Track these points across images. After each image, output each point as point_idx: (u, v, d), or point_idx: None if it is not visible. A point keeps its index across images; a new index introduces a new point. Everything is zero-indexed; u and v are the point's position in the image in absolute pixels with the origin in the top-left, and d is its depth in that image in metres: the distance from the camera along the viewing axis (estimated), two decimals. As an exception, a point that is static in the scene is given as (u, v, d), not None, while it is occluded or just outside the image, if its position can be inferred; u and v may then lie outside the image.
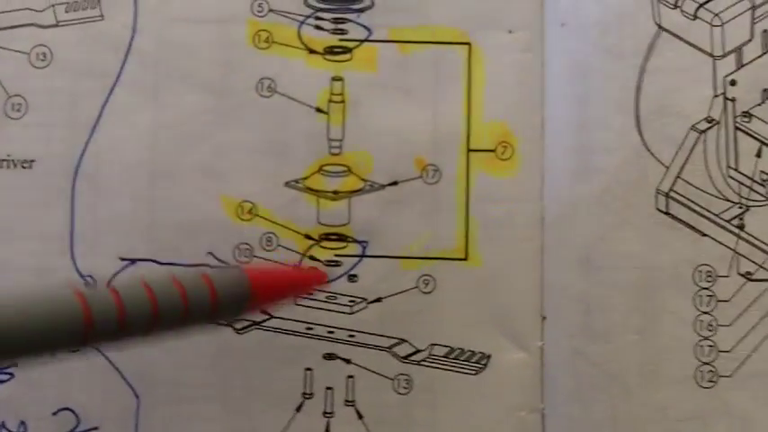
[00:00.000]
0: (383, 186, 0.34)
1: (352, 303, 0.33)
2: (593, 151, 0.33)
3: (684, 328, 0.32)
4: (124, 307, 0.26)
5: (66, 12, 0.34)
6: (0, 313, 0.24)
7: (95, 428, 0.33)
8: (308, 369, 0.33)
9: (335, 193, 0.34)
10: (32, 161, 0.34)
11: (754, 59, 0.33)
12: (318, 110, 0.34)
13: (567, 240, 0.33)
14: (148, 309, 0.26)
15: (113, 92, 0.34)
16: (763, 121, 0.33)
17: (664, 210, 0.33)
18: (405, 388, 0.33)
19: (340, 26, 0.34)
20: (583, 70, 0.33)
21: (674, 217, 0.33)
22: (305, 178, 0.34)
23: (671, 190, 0.33)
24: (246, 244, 0.34)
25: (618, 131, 0.33)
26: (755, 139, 0.33)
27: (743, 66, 0.33)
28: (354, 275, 0.34)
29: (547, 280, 0.33)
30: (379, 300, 0.34)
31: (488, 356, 0.33)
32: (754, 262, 0.33)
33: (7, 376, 0.33)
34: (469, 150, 0.34)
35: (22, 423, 0.33)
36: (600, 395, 0.32)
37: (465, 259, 0.34)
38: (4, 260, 0.34)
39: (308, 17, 0.34)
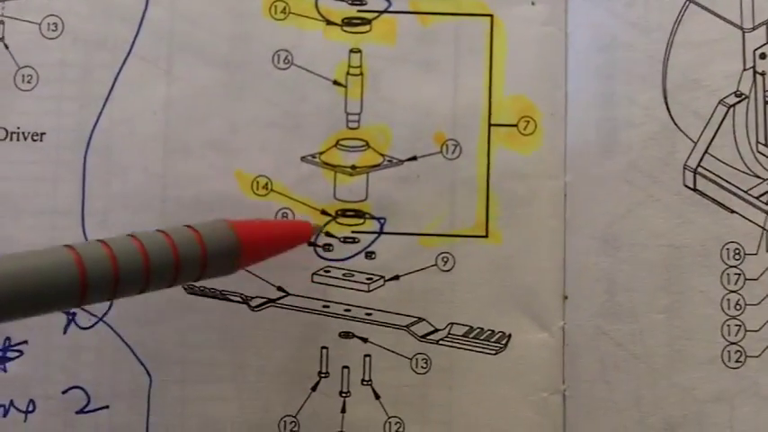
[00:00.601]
0: (402, 162, 0.33)
1: (369, 281, 0.33)
2: (618, 126, 0.32)
3: (712, 308, 0.32)
4: (117, 262, 0.26)
5: (79, -20, 0.34)
6: None
7: (106, 407, 0.33)
8: (324, 348, 0.33)
9: (353, 168, 0.33)
10: (43, 134, 0.33)
11: (785, 32, 0.33)
12: (336, 83, 0.33)
13: (591, 218, 0.32)
14: (140, 263, 0.26)
15: (126, 64, 0.34)
16: (793, 96, 0.32)
17: (691, 186, 0.32)
18: (423, 368, 0.33)
19: (359, -4, 0.34)
20: (608, 43, 0.33)
21: (701, 193, 0.32)
22: (321, 153, 0.33)
23: (699, 166, 0.32)
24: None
25: (644, 106, 0.32)
26: (786, 114, 0.32)
27: (774, 39, 0.32)
28: (372, 252, 0.33)
29: (569, 258, 0.33)
30: (396, 277, 0.33)
31: (508, 336, 0.33)
32: (783, 240, 0.32)
33: (16, 354, 0.33)
34: (491, 125, 0.33)
35: (31, 401, 0.33)
36: (624, 376, 0.32)
37: (485, 237, 0.33)
38: (13, 235, 0.33)
39: (326, -13, 0.34)
